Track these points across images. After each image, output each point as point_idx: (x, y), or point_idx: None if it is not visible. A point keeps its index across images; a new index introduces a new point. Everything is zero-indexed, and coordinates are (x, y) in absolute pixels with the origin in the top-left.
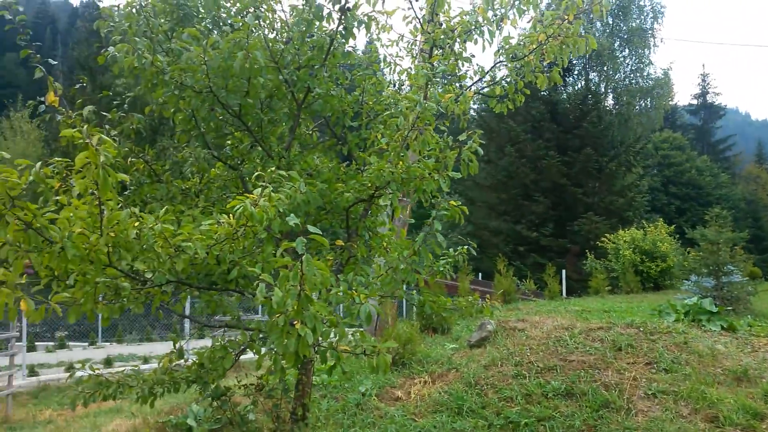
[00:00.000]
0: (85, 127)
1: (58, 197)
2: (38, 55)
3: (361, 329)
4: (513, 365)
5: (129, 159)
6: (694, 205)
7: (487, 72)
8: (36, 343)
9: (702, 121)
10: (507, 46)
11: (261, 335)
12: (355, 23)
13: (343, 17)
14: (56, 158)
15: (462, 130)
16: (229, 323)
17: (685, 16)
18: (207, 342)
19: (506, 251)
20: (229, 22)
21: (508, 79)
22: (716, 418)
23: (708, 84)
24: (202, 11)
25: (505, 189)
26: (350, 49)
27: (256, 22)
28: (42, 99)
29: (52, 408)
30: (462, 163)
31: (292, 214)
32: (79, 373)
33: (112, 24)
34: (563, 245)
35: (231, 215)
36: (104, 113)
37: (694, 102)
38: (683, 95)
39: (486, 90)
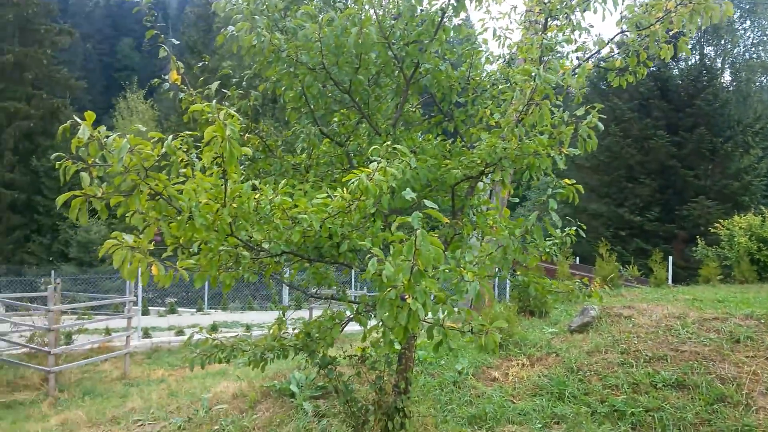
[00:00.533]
0: (214, 101)
1: (183, 170)
2: (162, 35)
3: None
4: (619, 353)
5: (245, 135)
6: None
7: (608, 43)
8: (149, 308)
9: None
10: (631, 15)
11: (366, 308)
12: None
13: None
14: (186, 131)
15: (577, 106)
16: (335, 296)
17: None
18: (303, 313)
19: (606, 235)
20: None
21: (630, 51)
22: None
23: None
24: None
25: (608, 170)
26: (460, 22)
27: None
28: (165, 77)
29: (164, 368)
30: (579, 140)
31: (408, 189)
32: (189, 337)
33: (232, 3)
34: (670, 231)
35: (344, 189)
36: (224, 90)
37: None
38: None
39: (605, 62)
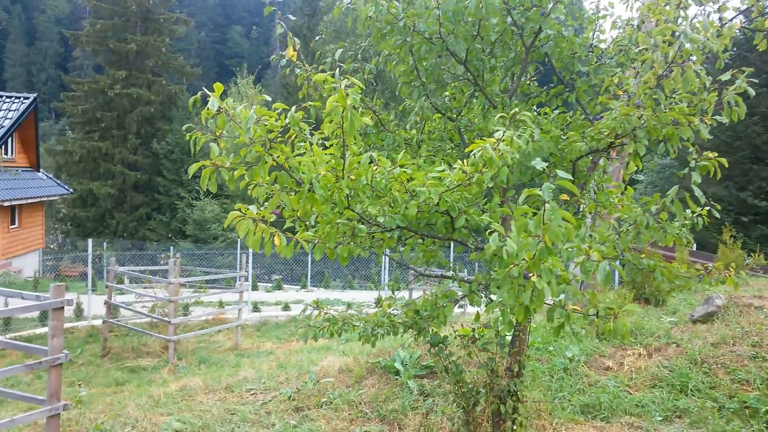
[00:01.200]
0: (337, 71)
1: (301, 143)
2: (279, 12)
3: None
4: (749, 345)
5: (359, 108)
6: None
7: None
8: (258, 284)
9: None
10: None
11: (479, 287)
12: None
13: None
14: (308, 103)
15: (718, 72)
16: (445, 275)
17: None
18: (403, 293)
19: (727, 221)
20: None
21: None
22: None
23: None
24: None
25: (730, 151)
26: None
27: None
28: (282, 53)
29: (272, 341)
30: (725, 107)
31: (538, 158)
32: (294, 313)
33: None
34: None
35: (464, 161)
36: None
37: None
38: None
39: (753, 24)
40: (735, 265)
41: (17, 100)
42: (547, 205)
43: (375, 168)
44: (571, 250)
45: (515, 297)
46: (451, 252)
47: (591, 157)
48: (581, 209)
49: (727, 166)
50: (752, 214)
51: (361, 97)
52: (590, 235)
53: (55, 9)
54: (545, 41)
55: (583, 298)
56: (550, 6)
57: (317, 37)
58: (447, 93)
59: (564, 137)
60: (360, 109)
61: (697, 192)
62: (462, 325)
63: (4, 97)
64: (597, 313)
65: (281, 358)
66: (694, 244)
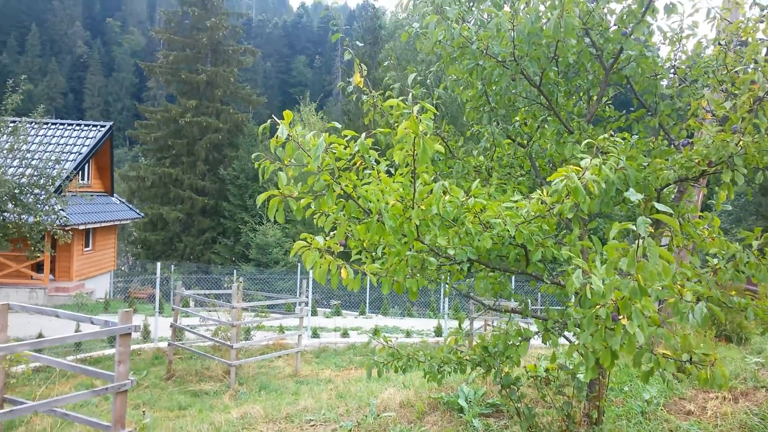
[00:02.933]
0: (410, 95)
1: (367, 171)
2: (347, 39)
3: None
4: None
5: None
6: None
7: None
8: (317, 309)
9: None
10: None
11: (554, 325)
12: None
13: None
14: (378, 130)
15: None
16: (516, 309)
17: None
18: (464, 323)
19: None
20: None
21: None
22: None
23: None
24: None
25: None
26: (672, 1)
27: None
28: (350, 80)
29: (331, 368)
30: None
31: (631, 189)
32: (353, 340)
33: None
34: None
35: (545, 190)
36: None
37: None
38: None
39: None
40: None
41: (94, 128)
42: (641, 241)
43: (447, 198)
44: (661, 289)
45: (601, 340)
46: (512, 281)
47: (677, 186)
48: (665, 243)
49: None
50: None
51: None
52: (681, 272)
53: (132, 42)
54: (626, 63)
55: (674, 341)
56: (632, 26)
57: (385, 62)
58: (518, 118)
59: (646, 165)
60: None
61: None
62: (532, 361)
63: (82, 126)
64: (690, 359)
65: (340, 387)
66: None
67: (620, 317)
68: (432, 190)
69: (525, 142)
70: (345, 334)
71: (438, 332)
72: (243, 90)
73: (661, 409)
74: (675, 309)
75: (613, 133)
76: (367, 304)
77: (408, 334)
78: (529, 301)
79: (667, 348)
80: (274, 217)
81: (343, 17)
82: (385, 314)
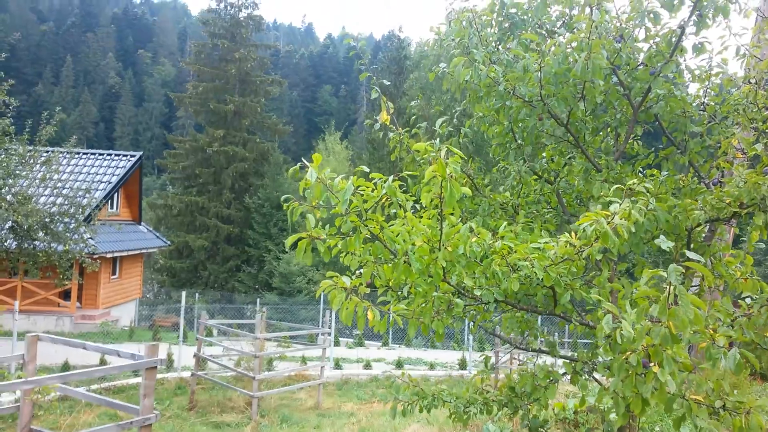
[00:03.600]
0: (437, 140)
1: (395, 211)
2: (374, 78)
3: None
4: None
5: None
6: None
7: None
8: (339, 339)
9: None
10: None
11: (583, 366)
12: (712, 8)
13: (697, 2)
14: (406, 172)
15: None
16: (543, 348)
17: None
18: (491, 356)
19: None
20: (553, 28)
21: None
22: None
23: None
24: (527, 19)
25: None
26: (701, 41)
27: (599, 19)
28: (376, 118)
29: (353, 401)
30: None
31: (662, 236)
32: (375, 372)
33: (445, 39)
34: None
35: (573, 234)
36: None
37: None
38: None
39: None
40: None
41: (124, 158)
42: (673, 288)
43: (474, 239)
44: (693, 333)
45: (632, 387)
46: (539, 318)
47: (707, 225)
48: (697, 283)
49: None
50: None
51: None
52: (714, 315)
53: (162, 73)
54: (654, 101)
55: (707, 388)
56: (660, 65)
57: (409, 95)
58: (545, 155)
59: (676, 205)
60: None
61: None
62: (560, 398)
63: (113, 156)
64: (724, 405)
65: (363, 421)
66: None
67: (651, 364)
68: (459, 231)
69: (552, 178)
70: (368, 366)
71: (462, 365)
72: (269, 120)
73: None
74: (708, 354)
75: (641, 170)
76: (390, 335)
77: (431, 366)
78: (557, 334)
79: (700, 393)
80: (302, 258)
81: (368, 48)
82: (408, 345)
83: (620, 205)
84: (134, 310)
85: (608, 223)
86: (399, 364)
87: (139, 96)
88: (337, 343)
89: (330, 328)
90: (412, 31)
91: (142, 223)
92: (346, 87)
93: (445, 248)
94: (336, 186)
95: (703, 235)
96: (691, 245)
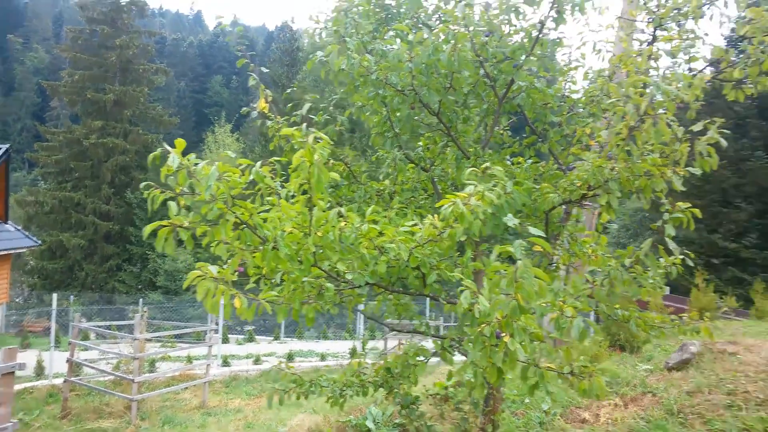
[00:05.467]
0: (304, 125)
1: (269, 197)
2: (252, 64)
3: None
4: (725, 394)
5: (330, 161)
6: None
7: (728, 50)
8: (229, 336)
9: None
10: (756, 18)
11: (451, 343)
12: (569, 5)
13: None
14: (274, 158)
15: (690, 122)
16: (417, 328)
17: None
18: (378, 343)
19: (699, 264)
20: (428, 21)
21: (750, 60)
22: None
23: None
24: (403, 11)
25: (700, 194)
26: (559, 36)
27: (466, 12)
28: (254, 106)
29: (241, 397)
30: (697, 158)
31: (509, 215)
32: (266, 366)
33: (321, 28)
34: None
35: (436, 216)
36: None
37: None
38: None
39: (720, 74)
40: (708, 310)
41: None
42: (519, 263)
43: (342, 224)
44: (545, 305)
45: (487, 357)
46: (427, 302)
47: (564, 207)
48: (554, 261)
49: (700, 216)
50: (723, 256)
51: (333, 149)
52: (564, 289)
53: (35, 60)
54: (518, 92)
55: (557, 355)
56: (523, 58)
57: (288, 90)
58: (420, 143)
59: (536, 188)
60: (331, 162)
61: (672, 245)
62: (426, 378)
63: None
64: (572, 371)
65: (249, 416)
66: (668, 289)
67: (503, 334)
68: (328, 217)
69: (428, 166)
70: (257, 361)
71: (354, 354)
72: (154, 110)
73: (559, 419)
74: (556, 324)
75: (509, 158)
76: (282, 329)
77: (323, 357)
78: (443, 320)
79: (551, 362)
80: (163, 248)
81: (261, 38)
82: (301, 338)
83: (475, 187)
84: (1, 316)
85: (465, 204)
86: (290, 357)
87: (8, 84)
88: (226, 340)
89: (217, 325)
90: (306, 23)
91: (9, 221)
92: (238, 78)
93: (315, 233)
94: (200, 172)
95: (560, 216)
96: (549, 227)
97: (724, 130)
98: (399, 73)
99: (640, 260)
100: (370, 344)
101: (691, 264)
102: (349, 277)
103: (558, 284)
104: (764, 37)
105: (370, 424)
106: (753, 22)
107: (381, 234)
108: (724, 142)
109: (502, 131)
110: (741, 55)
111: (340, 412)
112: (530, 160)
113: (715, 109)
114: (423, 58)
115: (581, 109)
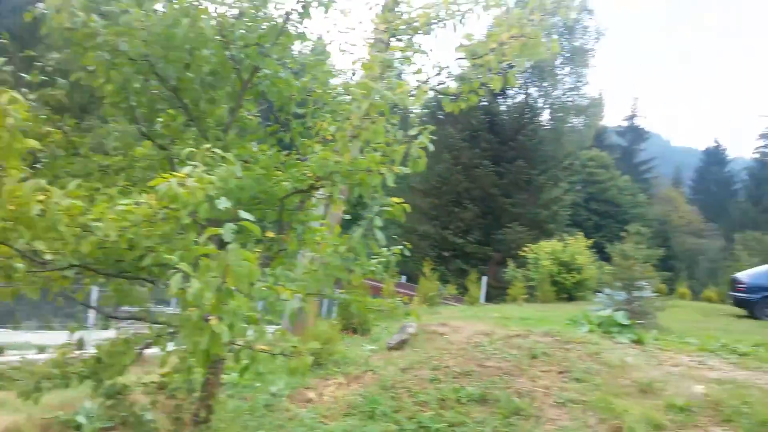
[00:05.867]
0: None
1: None
2: None
3: (280, 327)
4: (430, 369)
5: (45, 128)
6: (611, 222)
7: (444, 68)
8: None
9: (628, 142)
10: (469, 42)
11: (170, 330)
12: (315, 2)
13: None
14: None
15: (413, 127)
16: (136, 315)
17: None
18: (112, 333)
19: (432, 256)
20: None
21: (465, 78)
22: (620, 428)
23: (636, 108)
24: None
25: (438, 194)
26: (304, 29)
27: None
28: None
29: None
30: (410, 159)
31: (223, 198)
32: None
33: None
34: (487, 253)
35: (152, 195)
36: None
37: (624, 124)
38: (612, 117)
39: (441, 87)
40: (432, 296)
41: None
42: (229, 246)
43: (44, 197)
44: (264, 289)
45: (193, 341)
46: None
47: (300, 197)
48: (285, 247)
49: (410, 210)
50: (452, 249)
51: (50, 115)
52: (286, 274)
53: None
54: (263, 79)
55: (268, 337)
56: (268, 46)
57: (41, 45)
58: (160, 119)
59: (272, 176)
60: (47, 129)
61: (379, 235)
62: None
63: None
64: (282, 351)
65: None
66: (404, 276)
67: (211, 318)
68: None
69: (168, 144)
70: None
71: (81, 346)
72: None
73: (286, 400)
74: (270, 306)
75: (254, 144)
76: None
77: (41, 349)
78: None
79: (264, 343)
80: None
81: None
82: (16, 328)
83: (195, 168)
84: None
85: (182, 185)
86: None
87: None
88: None
89: None
90: None
91: None
92: None
93: (7, 206)
94: None
95: (296, 205)
96: (284, 214)
97: (463, 141)
98: (131, 41)
99: (353, 248)
100: (104, 335)
101: (408, 254)
102: (48, 257)
103: (280, 269)
104: (474, 60)
105: (81, 419)
106: (465, 45)
107: (88, 211)
108: (431, 147)
109: (250, 117)
110: (458, 73)
111: (50, 408)
112: (274, 148)
113: (456, 121)
114: (158, 28)
115: (324, 105)
